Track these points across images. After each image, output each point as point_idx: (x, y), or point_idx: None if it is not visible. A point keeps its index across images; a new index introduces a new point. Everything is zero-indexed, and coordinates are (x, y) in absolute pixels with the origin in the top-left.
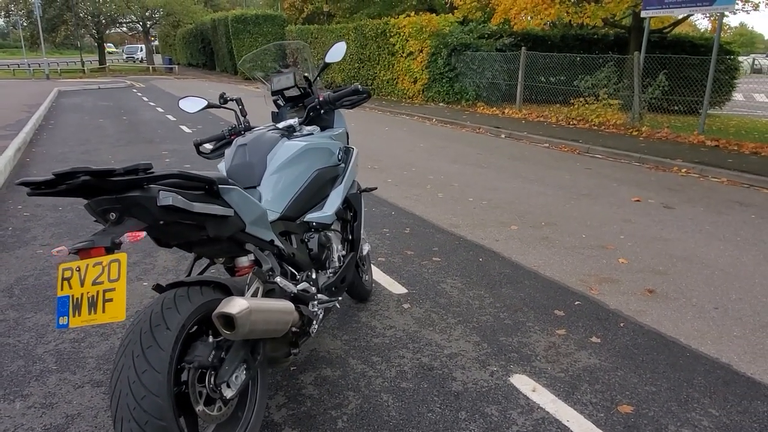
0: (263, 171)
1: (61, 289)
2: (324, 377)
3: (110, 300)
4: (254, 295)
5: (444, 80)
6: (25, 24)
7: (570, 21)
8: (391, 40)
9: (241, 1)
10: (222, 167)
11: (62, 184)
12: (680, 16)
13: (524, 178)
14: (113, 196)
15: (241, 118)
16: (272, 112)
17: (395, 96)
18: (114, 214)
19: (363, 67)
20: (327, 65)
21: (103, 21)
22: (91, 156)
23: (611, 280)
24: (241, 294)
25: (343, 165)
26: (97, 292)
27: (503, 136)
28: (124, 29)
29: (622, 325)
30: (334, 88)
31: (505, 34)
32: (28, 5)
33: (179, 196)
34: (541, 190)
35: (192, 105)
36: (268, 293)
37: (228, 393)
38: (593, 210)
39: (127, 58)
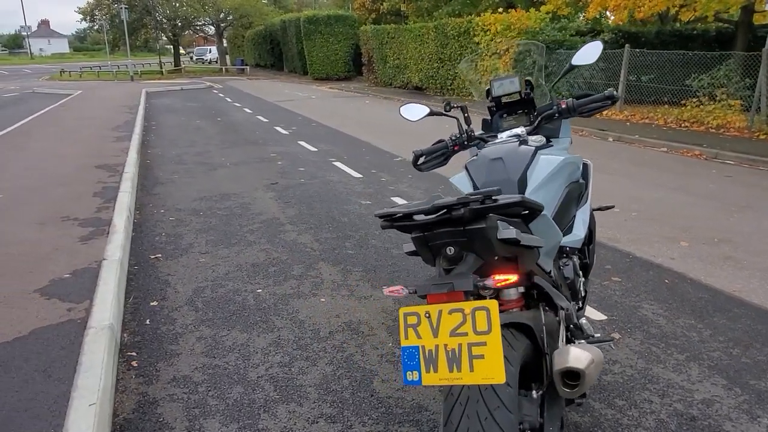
0: (524, 188)
1: (406, 338)
2: (575, 424)
3: (480, 357)
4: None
5: None
6: (108, 28)
7: (676, 15)
8: (475, 39)
9: (309, 2)
10: (460, 182)
11: (427, 215)
12: None
13: (664, 186)
14: (460, 228)
15: (464, 127)
16: (483, 119)
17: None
18: (452, 249)
19: (443, 67)
20: (573, 68)
21: (179, 24)
22: (204, 158)
23: None
24: (551, 338)
25: (583, 181)
26: (459, 346)
27: (611, 139)
28: (201, 33)
29: None
30: (576, 94)
31: (606, 30)
32: (112, 10)
33: (515, 228)
34: (689, 200)
35: (414, 113)
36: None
37: None
38: (764, 226)
39: (197, 59)
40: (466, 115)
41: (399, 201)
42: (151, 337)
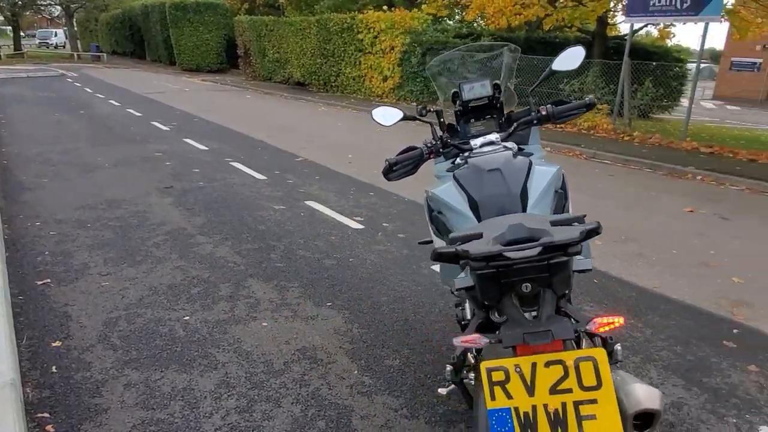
0: (526, 201)
1: (493, 399)
2: None
3: (590, 417)
4: None
5: (418, 79)
6: None
7: (540, 23)
8: (359, 36)
9: None
10: (449, 194)
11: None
12: (661, 26)
13: None
14: (545, 261)
15: (438, 134)
16: (449, 124)
17: (362, 93)
18: (529, 286)
19: (326, 63)
20: (553, 73)
21: (20, 2)
22: (74, 157)
23: (745, 303)
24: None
25: (562, 191)
26: (564, 405)
27: None
28: (44, 13)
29: None
30: (553, 101)
31: (485, 34)
32: None
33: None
34: (586, 199)
35: (387, 117)
36: None
37: None
38: (657, 222)
39: (40, 43)
40: (441, 120)
41: (315, 206)
42: (64, 389)
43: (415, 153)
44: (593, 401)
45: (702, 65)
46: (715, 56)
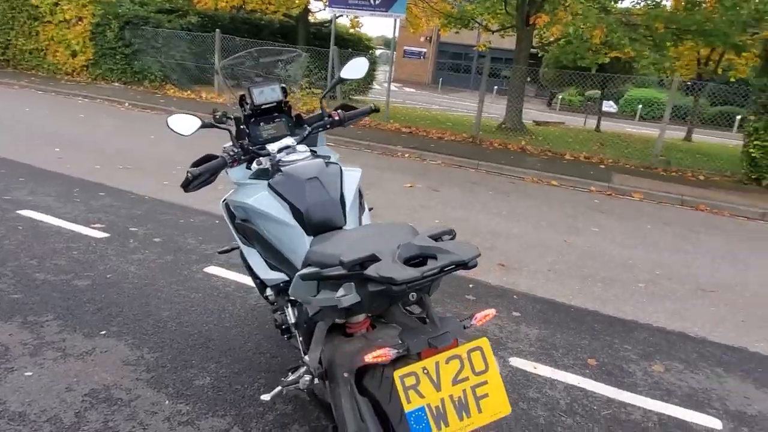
0: (344, 206)
1: (408, 402)
2: None
3: (485, 396)
4: None
5: (118, 56)
6: None
7: (243, 4)
8: (33, 1)
9: None
10: (267, 203)
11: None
12: (353, 17)
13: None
14: (438, 274)
15: (236, 141)
16: (238, 129)
17: (44, 70)
18: (415, 295)
19: None
20: (342, 81)
21: None
22: None
23: None
24: None
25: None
26: (464, 392)
27: None
28: None
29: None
30: (342, 104)
31: (192, 12)
32: None
33: None
34: (420, 200)
35: (184, 125)
36: None
37: None
38: (388, 198)
39: None
40: (241, 126)
41: (34, 215)
42: None
43: (217, 162)
44: (485, 382)
45: (380, 51)
46: (387, 44)
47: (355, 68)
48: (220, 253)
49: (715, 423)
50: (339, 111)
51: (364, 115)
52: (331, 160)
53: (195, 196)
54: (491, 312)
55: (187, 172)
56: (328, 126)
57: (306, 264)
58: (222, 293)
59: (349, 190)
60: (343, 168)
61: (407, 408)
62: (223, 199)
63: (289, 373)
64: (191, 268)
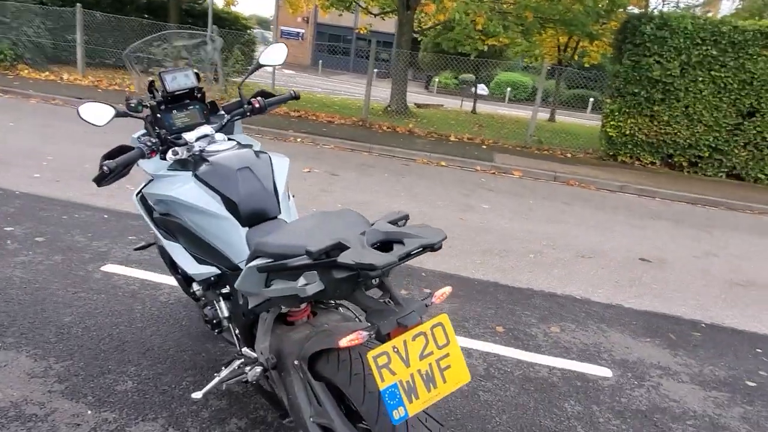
0: (278, 195)
1: (382, 380)
2: None
3: (448, 367)
4: None
5: None
6: None
7: None
8: None
9: None
10: (195, 195)
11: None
12: None
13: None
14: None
15: (153, 131)
16: (149, 118)
17: None
18: (377, 279)
19: None
20: (260, 66)
21: None
22: None
23: None
24: None
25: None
26: (430, 366)
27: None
28: None
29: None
30: (260, 91)
31: None
32: None
33: None
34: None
35: (97, 116)
36: None
37: None
38: (293, 184)
39: None
40: (158, 115)
41: None
42: None
43: (134, 154)
44: (447, 355)
45: (255, 31)
46: (261, 23)
47: (273, 53)
48: (136, 250)
49: (606, 372)
50: (259, 98)
51: (284, 101)
52: (255, 148)
53: (75, 189)
54: (448, 289)
55: (102, 165)
56: (248, 114)
57: (255, 256)
58: (127, 292)
59: (281, 179)
60: (272, 157)
61: (381, 386)
62: (136, 192)
63: (223, 368)
64: (86, 267)
